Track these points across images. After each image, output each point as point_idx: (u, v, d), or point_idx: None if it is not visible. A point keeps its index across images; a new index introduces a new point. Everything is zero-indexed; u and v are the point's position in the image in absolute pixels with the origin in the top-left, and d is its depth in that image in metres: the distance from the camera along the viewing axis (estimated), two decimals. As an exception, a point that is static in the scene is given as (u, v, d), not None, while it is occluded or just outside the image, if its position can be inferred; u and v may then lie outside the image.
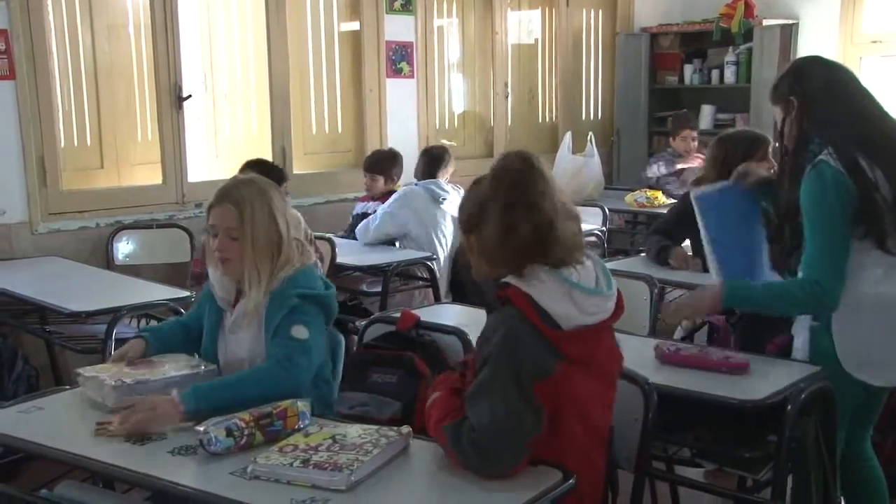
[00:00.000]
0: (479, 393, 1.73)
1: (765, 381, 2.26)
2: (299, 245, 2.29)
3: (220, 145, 5.33)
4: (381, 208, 4.49)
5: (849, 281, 2.28)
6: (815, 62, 2.48)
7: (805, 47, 6.25)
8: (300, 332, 2.15)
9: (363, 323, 2.74)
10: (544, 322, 1.76)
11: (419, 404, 2.18)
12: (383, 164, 4.77)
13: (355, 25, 5.58)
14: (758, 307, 2.46)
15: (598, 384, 1.85)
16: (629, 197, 5.73)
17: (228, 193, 2.22)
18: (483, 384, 1.73)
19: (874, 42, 6.06)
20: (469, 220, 1.87)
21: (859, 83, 2.42)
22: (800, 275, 2.33)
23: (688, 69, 6.77)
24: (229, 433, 1.78)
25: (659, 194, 5.64)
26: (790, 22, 6.25)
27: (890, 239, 2.26)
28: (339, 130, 5.62)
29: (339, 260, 3.94)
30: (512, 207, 1.79)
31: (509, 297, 1.79)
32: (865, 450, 2.52)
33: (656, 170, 5.77)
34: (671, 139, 5.80)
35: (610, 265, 3.68)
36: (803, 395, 2.17)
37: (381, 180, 4.74)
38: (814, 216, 2.28)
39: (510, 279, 1.81)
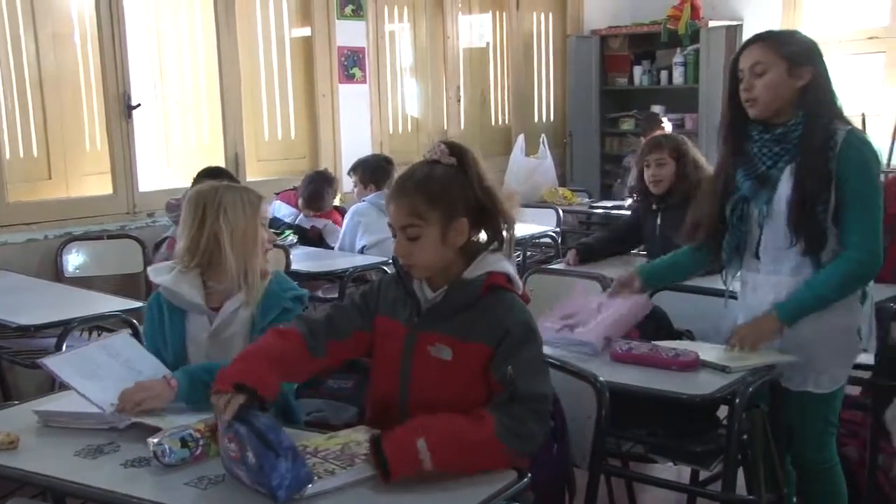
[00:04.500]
0: (535, 369, 1.80)
1: (714, 376, 2.30)
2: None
3: (171, 154, 5.28)
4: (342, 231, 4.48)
5: None
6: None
7: (750, 48, 6.37)
8: None
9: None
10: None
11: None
12: (317, 198, 4.72)
13: (307, 31, 5.57)
14: (817, 309, 2.36)
15: None
16: (547, 194, 5.87)
17: None
18: (534, 360, 1.80)
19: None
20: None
21: None
22: (848, 249, 2.29)
23: (637, 70, 6.87)
24: (184, 444, 1.77)
25: (569, 193, 5.87)
26: (734, 23, 6.37)
27: None
28: (293, 137, 5.61)
29: (293, 267, 3.93)
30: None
31: (497, 283, 1.83)
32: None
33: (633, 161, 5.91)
34: (642, 139, 5.86)
35: (564, 265, 3.78)
36: (750, 389, 2.21)
37: (314, 209, 4.69)
38: (866, 186, 2.28)
39: (490, 266, 1.84)
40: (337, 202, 4.85)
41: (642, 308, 2.58)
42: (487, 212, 1.85)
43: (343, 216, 4.63)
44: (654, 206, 3.63)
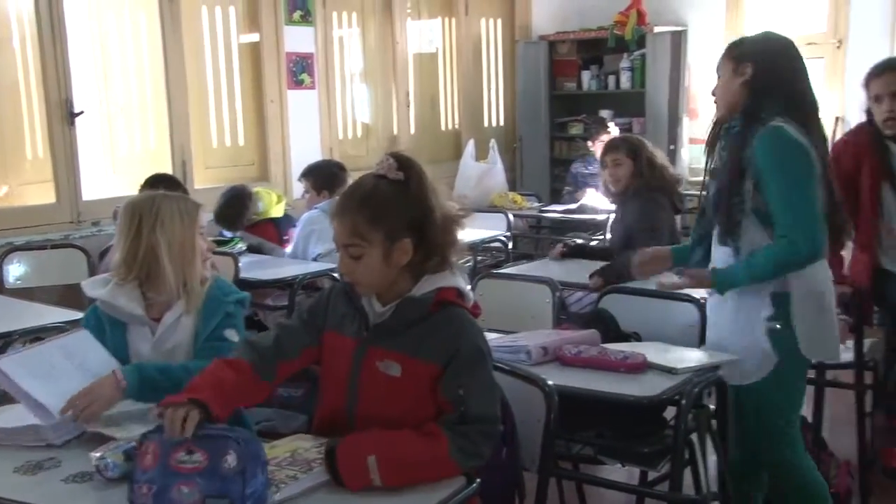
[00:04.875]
0: (485, 390, 1.79)
1: (661, 377, 2.33)
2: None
3: (117, 161, 5.20)
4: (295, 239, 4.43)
5: (808, 271, 2.36)
6: (778, 36, 2.51)
7: (694, 53, 6.49)
8: (233, 335, 2.21)
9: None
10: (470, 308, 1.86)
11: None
12: (232, 219, 4.54)
13: (255, 37, 5.53)
14: (746, 283, 2.42)
15: None
16: (497, 198, 5.90)
17: None
18: (485, 381, 1.80)
19: (758, 47, 6.34)
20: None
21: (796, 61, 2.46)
22: (783, 235, 2.33)
23: (585, 75, 6.94)
24: (128, 457, 1.74)
25: (519, 198, 5.93)
26: (679, 28, 6.47)
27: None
28: (241, 143, 5.56)
29: (242, 275, 3.89)
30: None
31: (446, 298, 1.82)
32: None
33: (581, 167, 5.96)
34: (590, 143, 5.92)
35: (514, 269, 3.81)
36: (696, 390, 2.25)
37: (237, 228, 4.53)
38: (777, 173, 2.32)
39: (438, 283, 1.83)
40: (282, 210, 4.80)
41: (590, 339, 2.59)
42: (434, 228, 1.81)
43: (279, 228, 4.60)
44: (614, 203, 4.03)
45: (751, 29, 6.34)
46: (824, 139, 2.43)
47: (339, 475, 1.64)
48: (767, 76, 2.38)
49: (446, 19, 6.81)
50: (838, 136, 6.03)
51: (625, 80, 6.71)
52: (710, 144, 2.56)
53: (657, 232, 3.65)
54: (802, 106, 2.38)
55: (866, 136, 3.10)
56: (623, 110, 6.69)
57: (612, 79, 6.82)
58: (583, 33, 6.84)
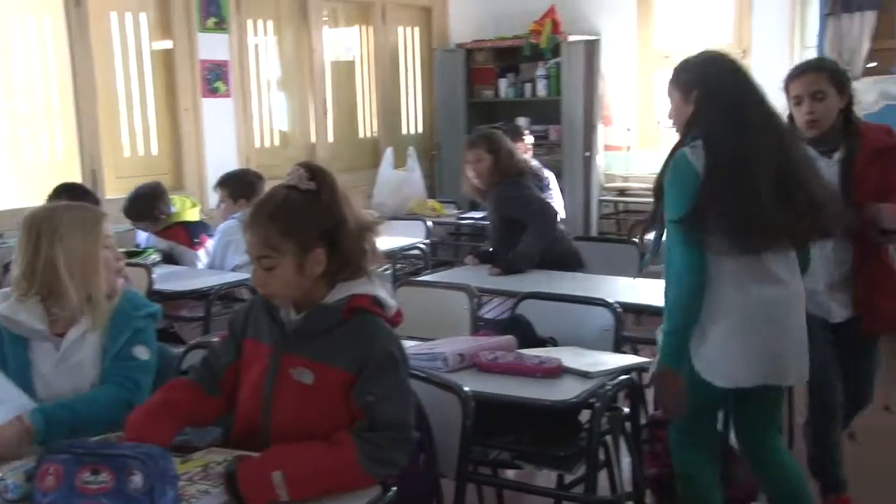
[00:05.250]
0: (397, 396, 1.78)
1: (576, 381, 2.37)
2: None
3: (22, 171, 5.03)
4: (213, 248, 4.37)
5: (714, 292, 2.31)
6: (723, 61, 2.45)
7: (608, 61, 6.64)
8: (142, 352, 2.15)
9: (181, 350, 2.67)
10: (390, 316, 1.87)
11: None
12: (142, 212, 4.49)
13: (167, 44, 5.43)
14: (682, 341, 2.35)
15: None
16: (416, 206, 5.96)
17: None
18: (397, 388, 1.79)
19: (665, 57, 6.52)
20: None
21: (750, 85, 2.41)
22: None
23: (503, 83, 7.02)
24: (28, 478, 1.68)
25: (438, 205, 6.05)
26: (593, 38, 6.60)
27: (716, 243, 2.29)
28: (155, 152, 5.45)
29: (156, 286, 3.80)
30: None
31: (360, 305, 1.82)
32: (774, 450, 2.55)
33: None
34: None
35: (432, 277, 3.82)
36: (609, 393, 2.29)
37: (146, 224, 4.49)
38: (666, 201, 2.35)
39: (352, 290, 1.82)
40: (196, 215, 4.71)
41: (506, 345, 2.62)
42: (348, 237, 1.81)
43: (190, 232, 4.54)
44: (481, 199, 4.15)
45: (661, 40, 6.52)
46: (778, 140, 2.36)
47: (240, 496, 1.62)
48: (713, 98, 2.36)
49: (363, 27, 6.81)
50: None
51: (541, 88, 6.81)
52: None
53: (534, 205, 3.95)
54: (749, 118, 2.33)
55: None
56: (540, 118, 6.78)
57: (528, 86, 6.91)
58: (499, 41, 6.91)
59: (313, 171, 1.82)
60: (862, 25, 5.53)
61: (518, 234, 3.90)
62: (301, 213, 1.79)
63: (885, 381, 3.13)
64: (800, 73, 2.86)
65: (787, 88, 2.86)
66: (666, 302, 2.35)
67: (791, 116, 2.82)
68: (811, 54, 5.79)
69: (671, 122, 2.49)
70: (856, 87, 5.79)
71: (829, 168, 2.77)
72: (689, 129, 2.38)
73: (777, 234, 2.31)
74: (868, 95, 5.50)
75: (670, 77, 2.48)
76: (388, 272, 4.48)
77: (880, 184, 2.78)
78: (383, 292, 1.88)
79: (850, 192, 2.76)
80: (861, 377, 2.95)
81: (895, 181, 2.79)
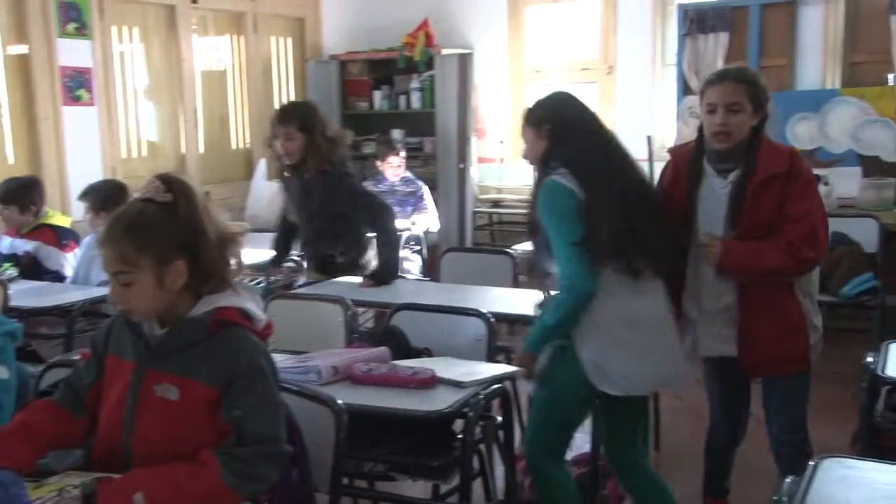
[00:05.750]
0: (264, 410, 1.75)
1: (450, 391, 2.40)
2: None
3: None
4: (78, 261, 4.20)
5: (596, 304, 2.46)
6: (562, 96, 2.70)
7: (480, 75, 6.75)
8: (1, 372, 2.11)
9: (39, 368, 2.54)
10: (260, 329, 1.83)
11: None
12: (14, 193, 4.44)
13: (23, 49, 5.18)
14: (553, 337, 2.53)
15: None
16: None
17: None
18: (265, 401, 1.75)
19: (537, 72, 6.70)
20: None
21: (595, 121, 2.65)
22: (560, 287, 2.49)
23: (377, 95, 7.03)
24: None
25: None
26: (466, 51, 6.70)
27: (601, 263, 2.45)
28: (11, 162, 5.19)
29: (12, 303, 3.61)
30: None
31: (226, 319, 1.78)
32: (637, 462, 2.68)
33: (372, 186, 5.99)
34: (378, 163, 5.98)
35: (307, 289, 3.77)
36: (482, 402, 2.33)
37: (14, 211, 4.42)
38: (550, 226, 2.49)
39: (217, 303, 1.78)
40: (67, 222, 4.53)
41: (380, 356, 2.62)
42: (208, 248, 1.77)
43: (58, 235, 4.39)
44: (289, 175, 3.91)
45: (531, 55, 6.68)
46: (627, 170, 2.58)
47: None
48: (562, 133, 2.57)
49: (235, 37, 6.69)
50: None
51: (415, 101, 6.86)
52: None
53: (377, 205, 3.89)
54: (594, 149, 2.55)
55: (686, 153, 2.76)
56: (414, 130, 6.83)
57: (403, 99, 6.95)
58: (373, 53, 6.93)
59: (170, 183, 1.78)
60: (716, 46, 5.84)
61: (341, 229, 3.85)
62: (157, 226, 1.74)
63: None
64: (718, 80, 2.64)
65: (702, 94, 2.66)
66: (556, 302, 2.49)
67: (701, 129, 2.69)
68: (672, 72, 6.07)
69: (527, 158, 2.67)
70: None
71: (721, 189, 2.63)
72: (546, 161, 2.56)
73: (655, 251, 2.51)
74: (724, 111, 5.81)
75: (524, 117, 2.66)
76: (261, 284, 4.40)
77: (771, 214, 2.58)
78: (252, 304, 1.84)
79: (737, 218, 2.59)
80: (739, 417, 2.89)
81: (790, 211, 2.57)
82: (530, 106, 2.68)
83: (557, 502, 2.61)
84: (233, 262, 1.83)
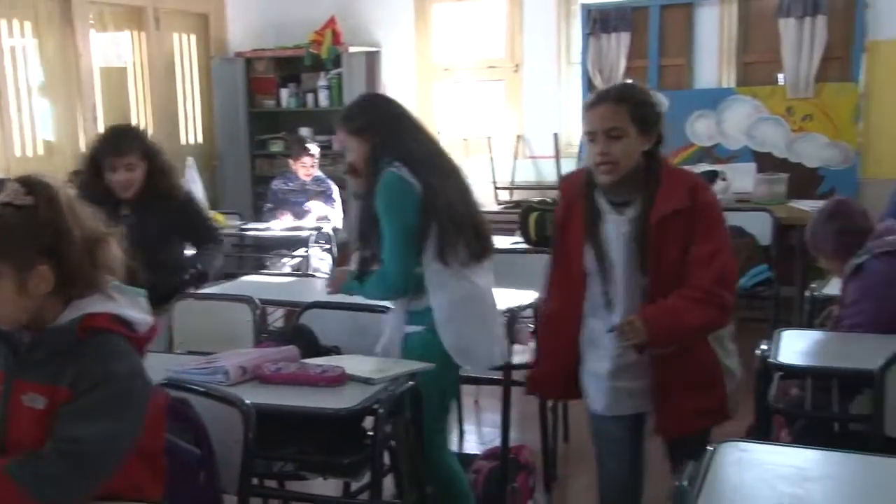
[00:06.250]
0: (90, 413, 1.64)
1: (360, 388, 2.39)
2: None
3: None
4: None
5: (450, 284, 2.56)
6: (379, 98, 2.82)
7: (388, 73, 6.76)
8: None
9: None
10: (131, 331, 1.74)
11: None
12: None
13: None
14: (363, 295, 2.74)
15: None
16: None
17: None
18: (94, 405, 1.64)
19: (445, 70, 6.74)
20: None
21: (410, 114, 2.74)
22: (380, 270, 2.63)
23: (284, 93, 6.96)
24: None
25: (220, 217, 5.56)
26: (373, 49, 6.70)
27: (450, 251, 2.55)
28: None
29: None
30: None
31: (95, 325, 1.69)
32: (442, 447, 2.74)
33: (281, 184, 5.91)
34: (291, 162, 5.92)
35: (214, 289, 3.71)
36: (392, 398, 2.33)
37: None
38: (387, 216, 2.57)
39: (86, 308, 1.70)
40: None
41: (289, 355, 2.61)
42: (74, 251, 1.68)
43: None
44: (123, 213, 3.27)
45: (439, 53, 6.72)
46: (448, 171, 2.66)
47: None
48: (388, 132, 2.63)
49: (135, 33, 6.52)
50: (521, 154, 6.59)
51: (323, 99, 6.82)
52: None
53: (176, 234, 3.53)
54: (417, 150, 2.63)
55: (578, 182, 2.45)
56: (323, 128, 6.77)
57: (310, 97, 6.90)
58: (280, 51, 6.86)
59: (30, 185, 1.69)
60: (619, 45, 5.99)
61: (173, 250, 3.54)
62: (15, 230, 1.65)
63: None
64: (595, 102, 2.33)
65: (583, 119, 2.37)
66: (377, 284, 2.63)
67: None
68: (577, 70, 6.20)
69: (351, 170, 2.72)
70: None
71: (619, 228, 2.34)
72: (377, 160, 2.61)
73: (488, 233, 2.67)
74: (626, 109, 5.96)
75: (344, 129, 2.70)
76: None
77: (678, 255, 2.30)
78: (130, 309, 1.75)
79: (645, 263, 2.31)
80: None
81: (697, 253, 2.29)
82: (345, 116, 2.73)
83: (455, 493, 2.68)
84: (101, 264, 1.73)
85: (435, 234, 2.55)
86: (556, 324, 2.54)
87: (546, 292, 2.62)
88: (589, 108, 2.34)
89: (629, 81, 2.57)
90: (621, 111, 2.28)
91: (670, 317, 2.28)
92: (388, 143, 2.61)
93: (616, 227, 2.35)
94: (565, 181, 2.61)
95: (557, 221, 2.53)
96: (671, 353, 2.34)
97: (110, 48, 6.35)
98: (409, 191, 2.54)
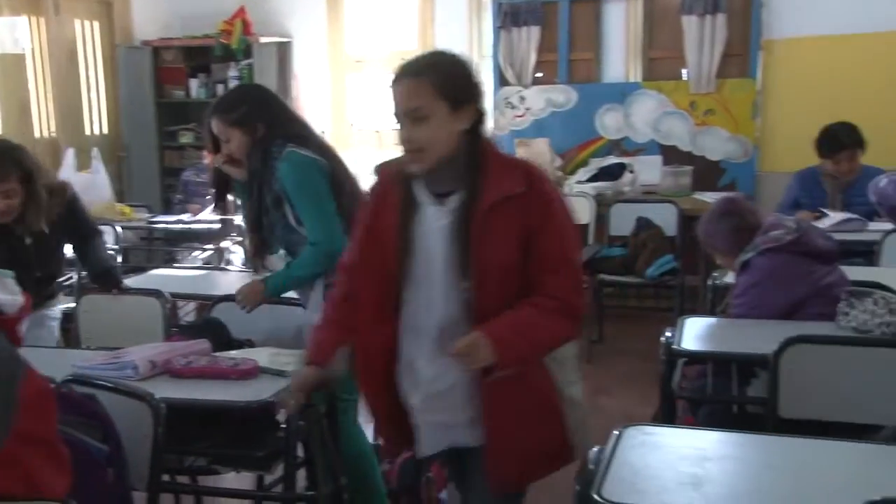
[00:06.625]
0: None
1: (272, 381, 2.38)
2: None
3: None
4: None
5: None
6: (254, 88, 3.04)
7: (300, 64, 6.69)
8: None
9: None
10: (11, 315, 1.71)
11: None
12: None
13: None
14: (297, 285, 2.81)
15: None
16: (103, 210, 5.68)
17: None
18: None
19: (358, 62, 6.72)
20: None
21: (283, 101, 2.94)
22: (309, 244, 2.69)
23: (194, 83, 6.83)
24: None
25: (128, 209, 5.70)
26: (285, 40, 6.62)
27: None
28: None
29: None
30: None
31: None
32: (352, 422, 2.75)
33: (192, 175, 5.81)
34: (205, 153, 5.80)
35: (127, 282, 3.63)
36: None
37: None
38: (301, 191, 2.67)
39: None
40: None
41: (200, 349, 2.58)
42: None
43: None
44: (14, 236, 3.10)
45: (351, 44, 6.69)
46: (322, 148, 2.78)
47: None
48: (273, 117, 2.76)
49: (34, 18, 6.29)
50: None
51: (233, 89, 6.71)
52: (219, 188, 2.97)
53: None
54: (303, 132, 2.79)
55: (391, 172, 2.05)
56: (233, 119, 6.67)
57: (220, 87, 6.76)
58: (188, 40, 6.72)
59: None
60: (529, 39, 6.07)
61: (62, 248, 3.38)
62: None
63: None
64: (394, 80, 1.93)
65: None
66: (310, 258, 2.69)
67: None
68: (488, 64, 6.26)
69: (232, 161, 2.79)
70: (525, 95, 6.35)
71: (437, 220, 1.93)
72: (268, 145, 2.71)
73: None
74: (537, 103, 6.07)
75: (225, 122, 2.76)
76: (71, 280, 4.19)
77: (508, 251, 1.90)
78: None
79: (466, 261, 1.89)
80: None
81: (545, 257, 1.91)
82: (222, 108, 2.78)
83: (369, 485, 2.71)
84: None
85: (342, 213, 2.67)
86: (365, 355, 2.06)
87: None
88: (391, 86, 1.93)
89: (437, 50, 2.12)
90: (423, 86, 1.87)
91: (523, 332, 1.87)
92: (276, 127, 2.73)
93: (433, 219, 1.94)
94: (384, 167, 2.10)
95: (366, 219, 2.06)
96: (501, 377, 1.88)
97: (6, 33, 6.12)
98: (317, 166, 2.69)
